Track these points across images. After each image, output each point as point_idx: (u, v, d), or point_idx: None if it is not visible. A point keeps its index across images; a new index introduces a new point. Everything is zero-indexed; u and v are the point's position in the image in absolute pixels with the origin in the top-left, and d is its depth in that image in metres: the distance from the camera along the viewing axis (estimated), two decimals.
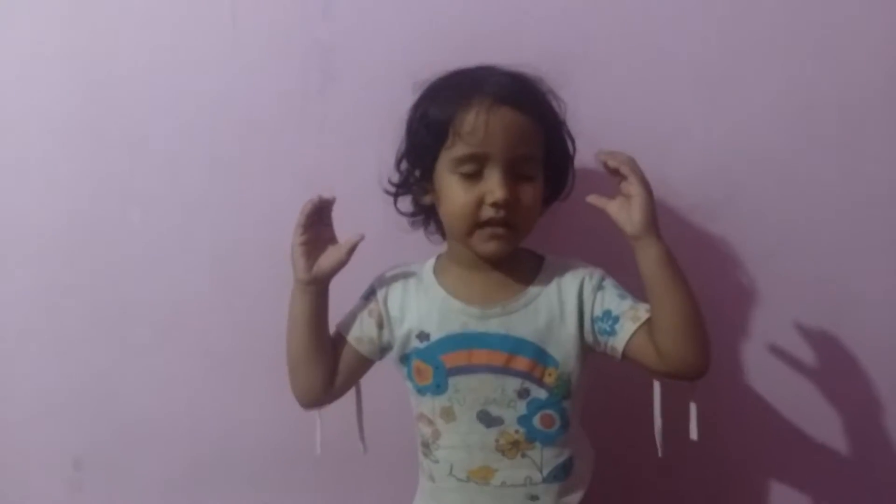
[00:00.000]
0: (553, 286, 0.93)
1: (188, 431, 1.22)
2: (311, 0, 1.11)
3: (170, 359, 1.20)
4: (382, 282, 0.98)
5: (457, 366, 0.92)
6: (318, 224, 0.94)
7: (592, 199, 0.90)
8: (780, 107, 1.10)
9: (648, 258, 0.86)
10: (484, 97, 0.86)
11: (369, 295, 0.98)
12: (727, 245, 1.12)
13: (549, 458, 0.93)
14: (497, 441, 0.92)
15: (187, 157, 1.16)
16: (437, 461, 0.95)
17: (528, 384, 0.91)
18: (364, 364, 0.98)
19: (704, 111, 1.10)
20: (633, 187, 0.86)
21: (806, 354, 1.14)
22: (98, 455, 1.24)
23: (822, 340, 1.13)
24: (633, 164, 0.87)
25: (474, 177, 0.87)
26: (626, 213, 0.86)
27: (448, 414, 0.93)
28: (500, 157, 0.86)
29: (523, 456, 0.92)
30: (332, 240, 0.95)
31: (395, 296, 0.96)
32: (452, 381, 0.92)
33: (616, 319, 0.89)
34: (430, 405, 0.94)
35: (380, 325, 0.96)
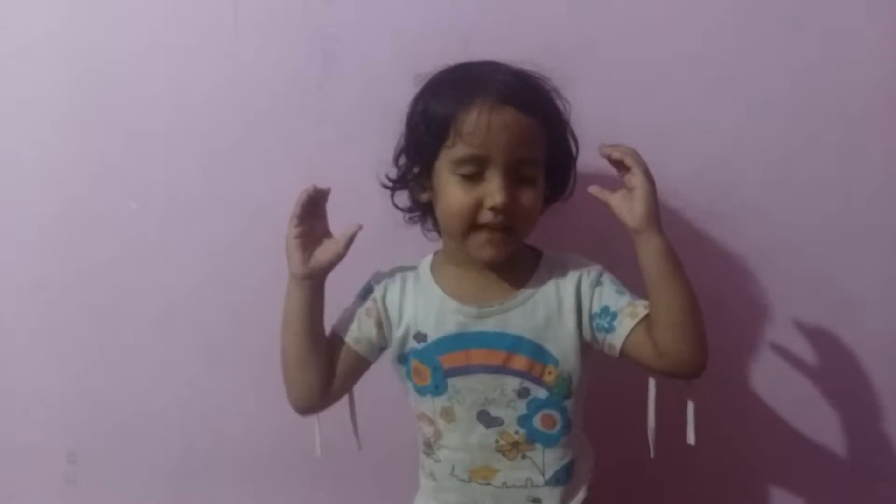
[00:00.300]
0: (551, 282, 0.92)
1: (183, 425, 1.22)
2: None
3: (165, 352, 1.20)
4: (380, 279, 0.96)
5: (455, 366, 0.91)
6: (312, 216, 0.92)
7: (594, 190, 0.88)
8: (781, 107, 1.09)
9: (649, 251, 0.85)
10: (486, 96, 0.84)
11: (366, 293, 0.96)
12: (726, 244, 1.12)
13: (552, 460, 0.92)
14: (497, 442, 0.92)
15: (186, 149, 1.15)
16: (439, 461, 0.95)
17: (527, 383, 0.90)
18: (362, 365, 0.96)
19: (706, 111, 1.09)
20: (636, 178, 0.85)
21: (805, 353, 1.14)
22: (92, 449, 1.23)
23: (821, 339, 1.13)
24: (636, 155, 0.87)
25: (474, 178, 0.86)
26: (627, 205, 0.85)
27: (448, 414, 0.92)
28: (501, 160, 0.85)
29: (524, 457, 0.92)
30: (327, 233, 0.93)
31: (392, 294, 0.95)
32: (451, 381, 0.91)
33: (614, 316, 0.88)
34: (430, 405, 0.93)
35: (378, 325, 0.94)
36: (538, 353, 0.90)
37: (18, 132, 1.15)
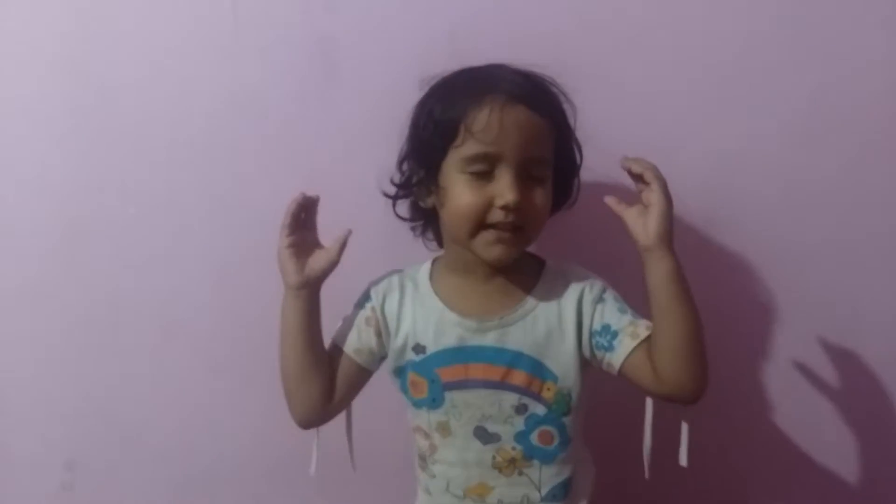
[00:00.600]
0: (552, 297, 0.90)
1: (181, 433, 1.21)
2: None
3: (165, 360, 1.19)
4: (378, 288, 0.95)
5: (453, 380, 0.90)
6: (303, 225, 0.91)
7: (611, 201, 0.87)
8: (787, 117, 1.08)
9: (658, 272, 0.83)
10: (498, 95, 0.83)
11: (364, 302, 0.95)
12: (732, 255, 1.11)
13: (548, 476, 0.91)
14: (494, 458, 0.91)
15: (185, 155, 1.14)
16: (433, 476, 0.94)
17: (525, 399, 0.89)
18: (364, 376, 0.95)
19: (711, 121, 1.08)
20: (654, 195, 0.84)
21: (813, 367, 1.12)
22: (90, 456, 1.23)
23: (824, 355, 1.12)
24: (656, 171, 0.85)
25: (484, 177, 0.84)
26: (642, 221, 0.84)
27: (444, 429, 0.91)
28: (513, 158, 0.83)
29: (520, 474, 0.91)
30: (317, 243, 0.92)
31: (391, 302, 0.93)
32: (449, 395, 0.90)
33: (615, 335, 0.87)
34: (426, 419, 0.92)
35: (378, 334, 0.93)
36: (537, 369, 0.89)
37: (17, 137, 1.15)
